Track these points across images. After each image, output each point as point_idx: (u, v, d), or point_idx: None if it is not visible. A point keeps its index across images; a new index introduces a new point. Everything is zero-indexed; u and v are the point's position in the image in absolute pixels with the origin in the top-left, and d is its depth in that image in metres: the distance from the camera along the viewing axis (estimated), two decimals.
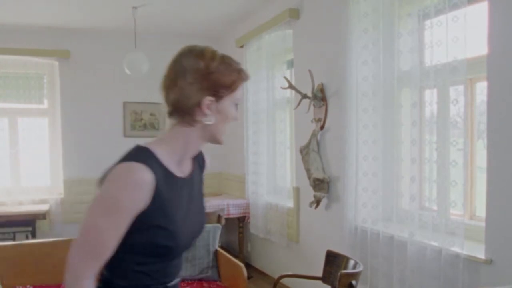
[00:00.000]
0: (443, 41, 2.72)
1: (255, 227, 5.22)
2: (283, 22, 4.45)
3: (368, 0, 3.28)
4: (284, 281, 4.20)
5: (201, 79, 1.35)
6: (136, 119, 6.18)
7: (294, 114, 4.51)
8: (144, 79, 5.76)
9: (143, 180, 1.28)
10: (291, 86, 4.09)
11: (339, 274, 2.61)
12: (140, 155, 1.33)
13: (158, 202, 1.31)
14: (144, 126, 6.21)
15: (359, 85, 3.36)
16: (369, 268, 3.27)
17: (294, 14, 4.32)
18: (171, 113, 1.41)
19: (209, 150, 6.00)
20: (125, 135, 6.12)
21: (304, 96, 3.97)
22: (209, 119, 1.37)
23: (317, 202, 3.95)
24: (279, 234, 4.78)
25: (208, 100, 1.35)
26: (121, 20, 5.34)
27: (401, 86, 3.16)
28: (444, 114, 2.80)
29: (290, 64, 4.70)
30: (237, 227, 5.61)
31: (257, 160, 5.15)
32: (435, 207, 2.93)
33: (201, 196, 1.63)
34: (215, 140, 1.47)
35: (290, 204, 4.62)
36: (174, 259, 1.43)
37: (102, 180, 1.32)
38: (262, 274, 5.30)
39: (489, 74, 2.49)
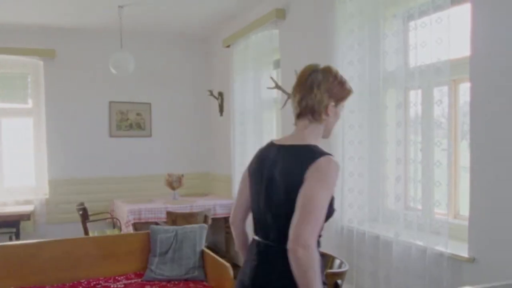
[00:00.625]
0: (427, 42, 2.75)
1: None
2: (269, 22, 4.46)
3: (354, 1, 3.30)
4: None
5: (333, 90, 1.80)
6: (122, 119, 6.14)
7: (281, 114, 4.51)
8: (130, 79, 5.76)
9: (339, 166, 1.76)
10: (277, 86, 4.09)
11: (324, 273, 2.62)
12: (323, 150, 1.76)
13: None
14: (130, 126, 6.17)
15: None
16: (355, 267, 3.29)
17: (281, 14, 4.33)
18: (302, 114, 1.82)
19: (196, 151, 6.01)
20: (111, 135, 6.09)
21: (290, 96, 3.97)
22: (329, 118, 1.81)
23: None
24: None
25: (331, 104, 1.79)
26: (107, 19, 5.31)
27: (387, 87, 3.18)
28: (428, 115, 2.83)
29: (277, 64, 4.71)
30: (224, 227, 5.61)
31: (244, 160, 5.14)
32: (420, 207, 2.96)
33: None
34: (328, 133, 1.88)
35: None
36: None
37: (287, 167, 1.75)
38: None
39: (472, 75, 2.52)
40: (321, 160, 1.70)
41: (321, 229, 1.70)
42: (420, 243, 2.85)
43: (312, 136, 1.81)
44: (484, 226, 2.48)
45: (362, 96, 3.26)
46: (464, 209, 2.85)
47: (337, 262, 2.91)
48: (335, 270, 2.79)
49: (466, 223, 2.64)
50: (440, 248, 2.73)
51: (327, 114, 1.79)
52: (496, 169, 2.41)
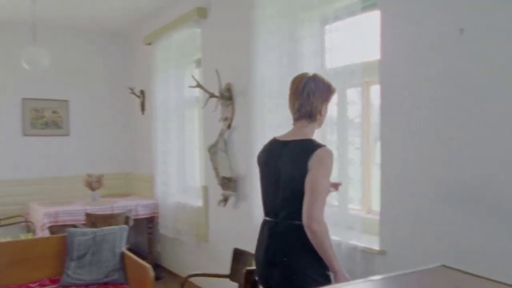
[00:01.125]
0: (341, 45, 2.87)
1: (165, 227, 5.16)
2: (191, 21, 4.44)
3: (273, 3, 3.36)
4: (194, 280, 4.20)
5: (324, 95, 2.25)
6: (37, 116, 5.82)
7: (203, 113, 4.51)
8: (46, 75, 5.47)
9: (333, 154, 2.20)
10: (198, 85, 4.08)
11: (244, 271, 2.67)
12: (320, 143, 2.22)
13: None
14: (46, 124, 5.87)
15: (264, 86, 3.44)
16: None
17: (202, 13, 4.32)
18: (301, 117, 2.26)
19: (117, 150, 5.82)
20: (25, 134, 5.75)
21: (212, 95, 3.99)
22: (321, 117, 2.28)
23: (225, 200, 3.99)
24: (188, 234, 4.76)
25: (324, 107, 2.26)
26: (19, 11, 5.01)
27: None
28: (343, 115, 2.95)
29: (199, 63, 4.70)
30: (147, 228, 5.51)
31: (166, 159, 5.08)
32: (336, 203, 3.08)
33: None
34: (320, 125, 2.36)
35: (199, 203, 4.62)
36: None
37: (293, 159, 2.18)
38: (173, 274, 5.25)
39: (381, 78, 2.66)
40: (320, 151, 2.14)
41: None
42: (336, 238, 2.96)
43: (310, 133, 2.26)
44: (393, 220, 2.63)
45: (281, 96, 3.31)
46: (377, 205, 3.00)
47: None
48: (254, 267, 2.84)
49: (378, 218, 2.79)
50: (354, 242, 2.87)
51: (320, 115, 2.27)
52: (404, 166, 2.57)
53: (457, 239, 2.29)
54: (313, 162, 2.11)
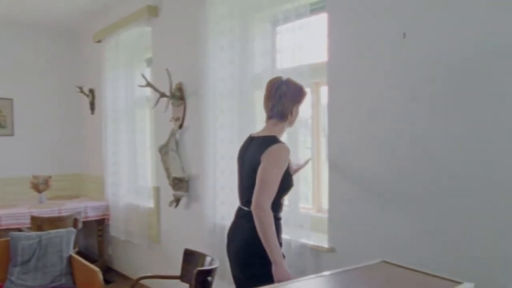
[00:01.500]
0: (290, 46, 2.91)
1: (116, 229, 5.05)
2: (142, 19, 4.37)
3: (224, 3, 3.37)
4: (146, 282, 4.14)
5: (295, 97, 2.47)
6: None
7: (154, 113, 4.45)
8: None
9: (289, 150, 2.40)
10: (149, 84, 4.03)
11: (194, 271, 2.66)
12: (279, 139, 2.42)
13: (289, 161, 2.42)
14: None
15: (216, 86, 3.44)
16: (227, 263, 3.36)
17: (153, 11, 4.26)
18: (273, 116, 2.47)
19: (65, 151, 5.63)
20: None
21: (162, 94, 3.95)
22: (292, 117, 2.49)
23: (177, 201, 3.96)
24: (140, 235, 4.69)
25: (294, 108, 2.47)
26: None
27: (255, 88, 3.30)
28: None
29: (150, 62, 4.63)
30: (97, 230, 5.38)
31: (117, 160, 4.98)
32: (286, 202, 3.12)
33: None
34: (292, 125, 2.57)
35: (150, 204, 4.56)
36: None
37: (254, 153, 2.41)
38: (124, 277, 5.15)
39: (328, 79, 2.72)
40: (274, 146, 2.35)
41: (280, 197, 2.42)
42: (287, 236, 2.99)
43: (277, 131, 2.46)
44: (341, 218, 2.69)
45: (232, 97, 3.34)
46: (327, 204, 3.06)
47: (208, 259, 2.96)
48: (205, 267, 2.84)
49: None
50: (304, 240, 2.92)
51: (291, 115, 2.47)
52: (349, 165, 2.64)
53: (396, 236, 2.39)
54: (266, 155, 2.33)
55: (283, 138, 2.55)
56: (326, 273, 1.78)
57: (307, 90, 3.18)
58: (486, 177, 2.03)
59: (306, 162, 2.88)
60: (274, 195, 2.33)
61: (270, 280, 2.25)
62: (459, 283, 1.58)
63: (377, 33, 2.44)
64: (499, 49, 1.97)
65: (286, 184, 2.43)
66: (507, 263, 1.98)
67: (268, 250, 2.29)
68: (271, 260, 2.29)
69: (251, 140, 2.54)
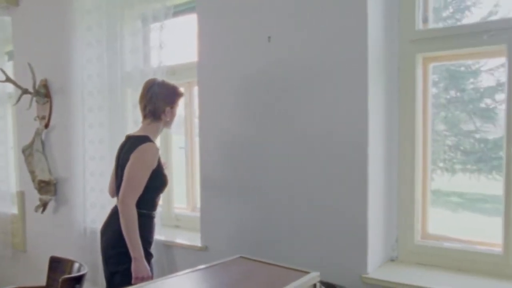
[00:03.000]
0: (164, 45, 2.86)
1: None
2: None
3: None
4: None
5: (168, 98, 2.51)
6: None
7: (16, 111, 4.11)
8: None
9: (157, 150, 2.45)
10: (8, 79, 3.71)
11: (60, 279, 2.52)
12: (149, 139, 2.44)
13: (159, 161, 2.46)
14: None
15: (84, 83, 3.27)
16: (99, 269, 3.23)
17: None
18: (147, 116, 2.51)
19: None
20: None
21: (25, 91, 3.66)
22: (166, 118, 2.52)
23: (44, 205, 3.71)
24: (3, 244, 4.32)
25: (167, 109, 2.50)
26: None
27: (127, 86, 3.20)
28: None
29: (12, 55, 4.26)
30: None
31: None
32: (161, 202, 3.08)
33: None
34: (169, 126, 2.59)
35: (14, 210, 4.22)
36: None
37: (127, 152, 2.44)
38: None
39: (198, 78, 2.74)
40: (143, 145, 2.40)
41: (154, 195, 2.49)
42: (161, 237, 2.96)
43: (150, 130, 2.49)
44: (213, 217, 2.73)
45: (101, 95, 3.20)
46: None
47: (76, 266, 2.83)
48: (73, 274, 2.71)
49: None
50: (179, 240, 2.93)
51: (165, 115, 2.50)
52: (216, 165, 2.69)
53: (259, 232, 2.51)
54: (134, 154, 2.39)
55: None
56: (181, 272, 1.82)
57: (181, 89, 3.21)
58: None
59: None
60: (139, 193, 2.38)
61: (131, 277, 2.33)
62: (307, 272, 1.73)
63: (244, 35, 2.51)
64: (342, 52, 2.14)
65: (157, 182, 2.47)
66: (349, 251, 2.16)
67: (129, 246, 2.32)
68: (132, 256, 2.32)
69: (127, 139, 2.56)
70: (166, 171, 2.62)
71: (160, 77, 2.71)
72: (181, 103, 2.63)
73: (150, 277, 2.35)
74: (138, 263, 2.32)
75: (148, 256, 2.44)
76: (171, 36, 2.86)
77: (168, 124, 2.57)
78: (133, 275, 2.31)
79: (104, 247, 2.51)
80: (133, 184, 2.36)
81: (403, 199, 2.30)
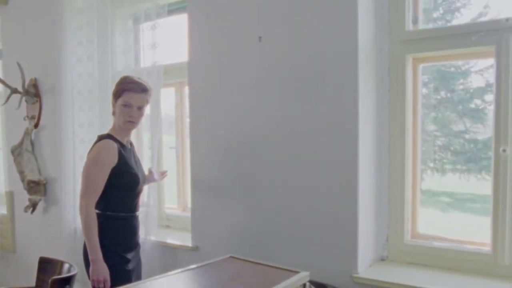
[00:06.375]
0: (152, 45, 2.86)
1: None
2: None
3: None
4: None
5: (114, 91, 2.38)
6: None
7: (5, 110, 4.07)
8: None
9: (113, 147, 2.31)
10: None
11: (50, 280, 2.49)
12: (109, 137, 2.34)
13: (121, 158, 2.32)
14: None
15: (74, 83, 3.25)
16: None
17: None
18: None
19: None
20: None
21: (15, 90, 3.63)
22: (116, 113, 2.38)
23: (33, 206, 3.68)
24: None
25: (114, 102, 2.37)
26: None
27: None
28: (156, 115, 2.94)
29: (1, 54, 4.22)
30: None
31: None
32: (151, 202, 3.07)
33: (139, 161, 2.58)
34: (119, 124, 2.37)
35: (3, 210, 4.18)
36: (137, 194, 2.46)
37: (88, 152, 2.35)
38: None
39: (189, 78, 2.73)
40: (97, 144, 2.33)
41: (121, 195, 2.35)
42: (153, 238, 2.95)
43: (112, 129, 2.41)
44: (203, 217, 2.73)
45: (92, 94, 3.19)
46: None
47: (66, 266, 2.80)
48: (63, 275, 2.69)
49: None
50: (169, 240, 2.93)
51: (114, 110, 2.38)
52: (207, 165, 2.68)
53: (250, 232, 2.52)
54: (88, 154, 2.35)
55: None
56: (171, 272, 1.81)
57: (171, 89, 3.20)
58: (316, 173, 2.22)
59: (162, 177, 2.83)
60: (97, 192, 2.27)
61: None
62: (296, 272, 1.74)
63: (234, 35, 2.51)
64: (331, 50, 2.15)
65: (121, 181, 2.32)
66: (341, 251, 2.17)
67: (89, 249, 2.25)
68: (90, 258, 2.26)
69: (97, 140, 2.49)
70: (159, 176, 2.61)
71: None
72: (125, 100, 2.33)
73: (107, 280, 2.25)
74: (95, 265, 2.24)
75: (120, 259, 2.34)
76: (162, 35, 2.85)
77: (120, 122, 2.35)
78: (91, 277, 2.25)
79: (83, 250, 2.42)
80: (88, 184, 2.26)
81: (393, 199, 2.31)
